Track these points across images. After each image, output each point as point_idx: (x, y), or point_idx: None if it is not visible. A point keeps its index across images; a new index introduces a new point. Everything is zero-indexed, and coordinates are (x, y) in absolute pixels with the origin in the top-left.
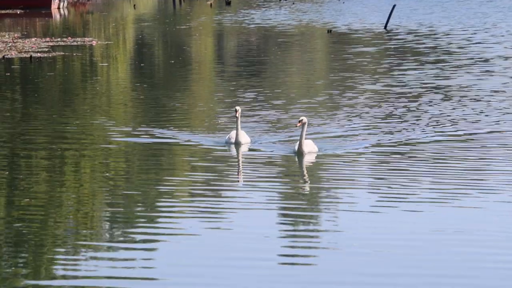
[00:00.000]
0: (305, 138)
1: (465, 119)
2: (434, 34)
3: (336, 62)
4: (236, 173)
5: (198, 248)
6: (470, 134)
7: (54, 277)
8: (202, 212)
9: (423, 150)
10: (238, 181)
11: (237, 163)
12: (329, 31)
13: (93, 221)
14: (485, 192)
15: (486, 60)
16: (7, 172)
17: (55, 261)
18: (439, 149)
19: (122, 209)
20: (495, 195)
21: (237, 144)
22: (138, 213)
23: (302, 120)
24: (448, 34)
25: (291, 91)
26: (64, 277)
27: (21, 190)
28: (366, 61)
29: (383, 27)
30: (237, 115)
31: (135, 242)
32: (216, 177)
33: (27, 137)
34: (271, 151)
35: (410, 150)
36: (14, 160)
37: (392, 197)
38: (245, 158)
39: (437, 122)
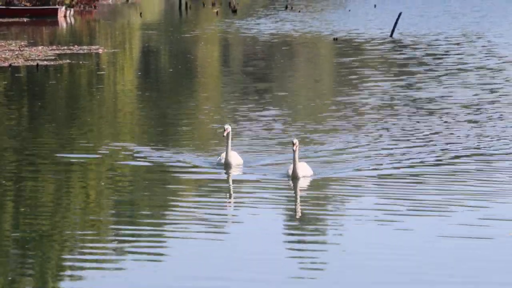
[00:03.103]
0: (300, 161)
1: (483, 136)
2: (442, 43)
3: (342, 72)
4: (226, 197)
5: (194, 267)
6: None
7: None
8: (191, 233)
9: (427, 172)
10: (226, 205)
11: (226, 187)
12: (335, 39)
13: (98, 230)
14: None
15: (499, 71)
16: (12, 181)
17: (61, 269)
18: (445, 171)
19: (125, 220)
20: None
21: (227, 165)
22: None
23: (295, 143)
24: (457, 42)
25: (295, 106)
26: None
27: (26, 199)
28: (371, 72)
29: (389, 35)
30: (225, 134)
31: (140, 251)
32: (203, 200)
33: (32, 145)
34: (263, 174)
35: (413, 172)
36: (19, 169)
37: (392, 217)
38: (236, 181)
39: (446, 142)
